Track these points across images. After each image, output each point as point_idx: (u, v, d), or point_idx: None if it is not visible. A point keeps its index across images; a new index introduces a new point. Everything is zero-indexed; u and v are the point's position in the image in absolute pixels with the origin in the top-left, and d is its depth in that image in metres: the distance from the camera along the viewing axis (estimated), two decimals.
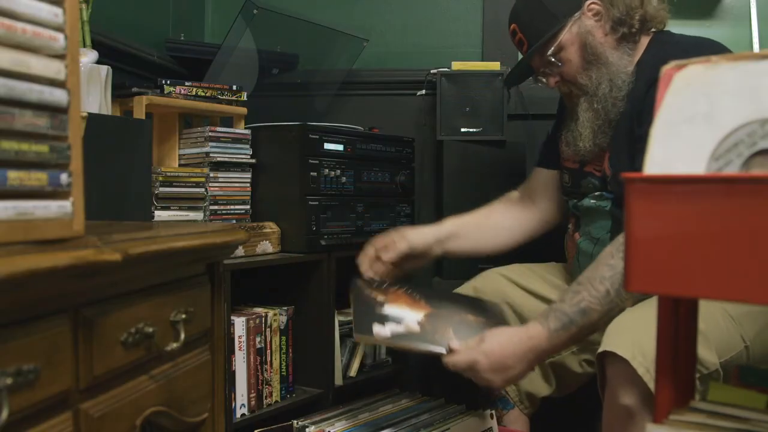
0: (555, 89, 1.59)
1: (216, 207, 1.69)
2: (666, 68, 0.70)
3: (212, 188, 1.68)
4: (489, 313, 1.54)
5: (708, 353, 1.22)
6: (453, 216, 1.71)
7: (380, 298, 1.47)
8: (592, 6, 1.49)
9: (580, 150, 1.52)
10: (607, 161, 1.50)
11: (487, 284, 1.69)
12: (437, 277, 2.02)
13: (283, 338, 1.72)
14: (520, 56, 1.62)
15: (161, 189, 1.57)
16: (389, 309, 1.44)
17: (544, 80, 1.56)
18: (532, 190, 1.75)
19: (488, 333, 1.32)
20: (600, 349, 1.22)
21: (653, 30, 1.52)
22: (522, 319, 1.64)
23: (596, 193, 1.53)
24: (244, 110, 1.81)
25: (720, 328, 1.29)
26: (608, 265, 1.30)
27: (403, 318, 1.42)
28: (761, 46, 2.10)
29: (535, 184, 1.75)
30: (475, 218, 1.71)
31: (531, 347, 1.28)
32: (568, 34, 1.49)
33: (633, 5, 1.48)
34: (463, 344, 1.32)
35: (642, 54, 1.49)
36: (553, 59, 1.51)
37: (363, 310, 1.43)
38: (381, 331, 1.37)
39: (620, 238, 1.34)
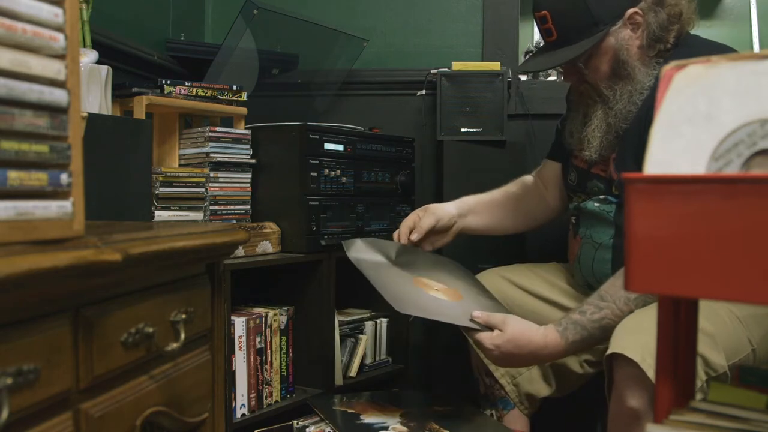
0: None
1: (216, 207, 1.69)
2: (666, 68, 0.70)
3: (212, 188, 1.68)
4: None
5: (716, 355, 1.21)
6: (471, 195, 1.71)
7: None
8: (635, 17, 1.41)
9: (585, 157, 1.51)
10: (612, 164, 1.48)
11: (487, 285, 1.69)
12: None
13: (283, 338, 1.72)
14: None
15: (161, 189, 1.57)
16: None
17: (561, 71, 1.53)
18: (544, 180, 1.75)
19: (511, 322, 1.34)
20: (608, 351, 1.21)
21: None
22: None
23: (601, 196, 1.52)
24: (244, 110, 1.81)
25: (728, 331, 1.28)
26: None
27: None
28: (761, 46, 2.10)
29: (546, 175, 1.75)
30: (493, 198, 1.72)
31: (546, 355, 1.33)
32: (603, 44, 1.42)
33: (672, 20, 1.42)
34: (485, 316, 1.36)
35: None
36: (581, 64, 1.45)
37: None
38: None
39: None
